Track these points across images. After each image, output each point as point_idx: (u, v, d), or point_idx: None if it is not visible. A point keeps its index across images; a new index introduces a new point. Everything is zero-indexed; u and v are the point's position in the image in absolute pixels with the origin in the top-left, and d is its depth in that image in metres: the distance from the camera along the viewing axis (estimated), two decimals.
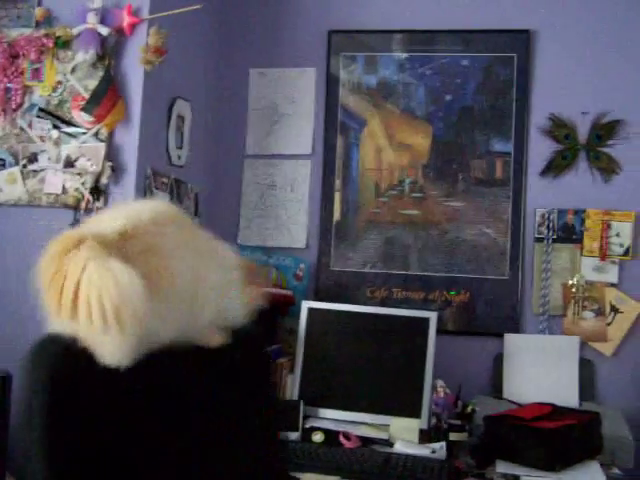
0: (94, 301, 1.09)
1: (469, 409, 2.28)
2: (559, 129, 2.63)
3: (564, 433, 1.93)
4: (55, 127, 2.31)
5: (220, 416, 1.31)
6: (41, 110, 2.33)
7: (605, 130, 2.60)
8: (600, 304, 2.56)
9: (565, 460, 1.91)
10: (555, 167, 2.64)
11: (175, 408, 1.26)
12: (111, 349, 1.14)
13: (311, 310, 2.49)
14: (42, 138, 2.32)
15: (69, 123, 2.30)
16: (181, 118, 2.58)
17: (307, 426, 2.34)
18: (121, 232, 1.21)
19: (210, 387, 1.30)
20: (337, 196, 2.81)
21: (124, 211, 1.31)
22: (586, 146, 2.61)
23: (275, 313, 2.65)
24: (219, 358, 1.31)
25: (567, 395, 2.41)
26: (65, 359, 1.23)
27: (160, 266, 1.21)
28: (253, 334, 1.41)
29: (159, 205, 1.41)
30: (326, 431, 2.31)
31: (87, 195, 2.26)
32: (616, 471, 2.00)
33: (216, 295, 1.31)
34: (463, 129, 2.73)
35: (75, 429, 1.18)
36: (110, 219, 1.26)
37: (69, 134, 2.30)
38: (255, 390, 1.38)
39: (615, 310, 2.55)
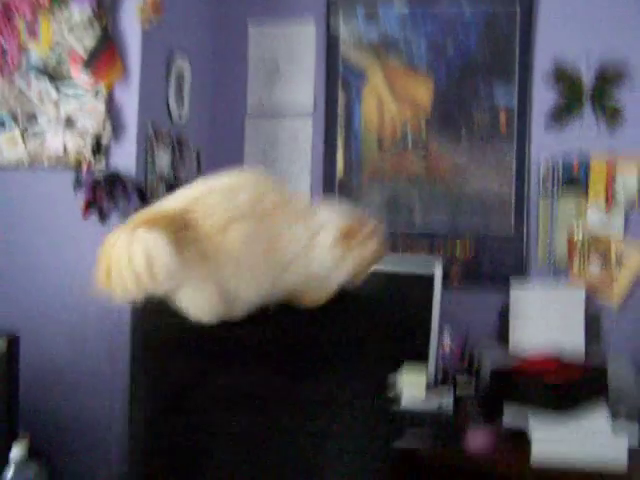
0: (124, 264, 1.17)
1: (476, 362, 2.30)
2: (563, 80, 2.59)
3: (570, 385, 1.94)
4: (54, 87, 2.29)
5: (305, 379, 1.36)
6: (39, 70, 2.30)
7: (610, 78, 2.57)
8: (606, 255, 2.56)
9: (571, 411, 1.92)
10: (559, 118, 2.61)
11: (258, 365, 1.35)
12: (192, 308, 1.29)
13: None
14: (41, 99, 2.30)
15: (68, 83, 2.27)
16: (181, 76, 2.55)
17: None
18: (185, 205, 1.30)
19: (297, 347, 1.36)
20: (340, 152, 2.79)
21: (201, 183, 1.40)
22: (591, 96, 2.57)
23: None
24: (313, 319, 1.36)
25: (573, 346, 2.42)
26: (151, 318, 1.40)
27: (233, 233, 1.28)
28: (359, 298, 1.42)
29: (241, 174, 1.46)
30: None
31: (89, 155, 2.25)
32: (621, 419, 2.02)
33: (306, 257, 1.35)
34: (466, 82, 2.70)
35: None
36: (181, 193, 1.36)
37: (68, 94, 2.27)
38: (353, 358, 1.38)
39: (621, 261, 2.55)
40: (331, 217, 1.43)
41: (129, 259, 1.16)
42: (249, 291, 1.30)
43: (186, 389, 1.40)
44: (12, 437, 1.92)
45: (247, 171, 1.44)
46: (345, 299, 1.38)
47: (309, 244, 1.36)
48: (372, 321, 1.40)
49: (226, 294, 1.29)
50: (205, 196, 1.32)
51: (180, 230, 1.24)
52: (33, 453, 1.93)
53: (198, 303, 1.30)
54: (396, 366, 1.43)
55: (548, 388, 1.92)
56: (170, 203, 1.32)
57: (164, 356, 1.42)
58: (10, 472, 1.79)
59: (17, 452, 1.80)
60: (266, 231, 1.33)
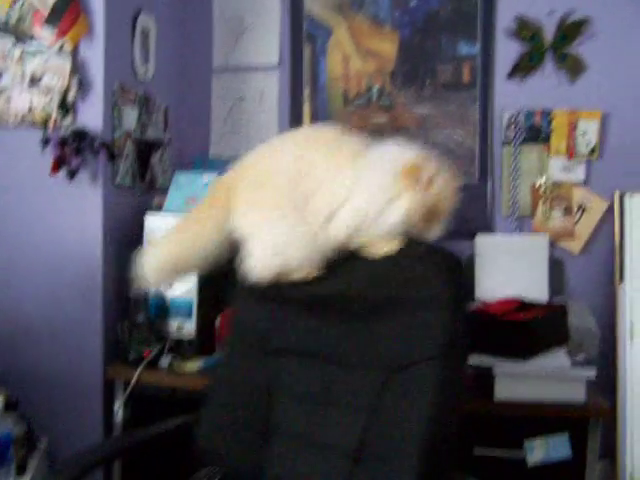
0: None
1: None
2: (525, 30, 2.62)
3: (532, 324, 2.00)
4: (17, 44, 2.27)
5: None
6: (0, 29, 2.28)
7: (571, 30, 2.60)
8: (568, 203, 2.61)
9: (534, 349, 1.99)
10: (522, 69, 2.65)
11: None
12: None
13: None
14: (4, 56, 2.29)
15: (31, 40, 2.26)
16: (146, 33, 2.55)
17: None
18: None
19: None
20: (306, 106, 2.81)
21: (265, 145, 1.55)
22: (552, 47, 2.61)
23: None
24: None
25: (537, 292, 2.48)
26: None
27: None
28: (432, 250, 1.45)
29: (299, 130, 1.60)
30: None
31: (55, 113, 2.25)
32: (581, 357, 2.09)
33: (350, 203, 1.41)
34: (429, 34, 2.71)
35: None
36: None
37: (32, 51, 2.27)
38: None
39: (582, 209, 2.61)
40: (390, 154, 1.46)
41: None
42: (296, 245, 1.40)
43: (269, 332, 1.54)
44: None
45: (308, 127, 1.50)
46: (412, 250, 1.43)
47: (352, 190, 1.41)
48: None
49: (277, 249, 1.42)
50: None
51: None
52: (9, 405, 1.97)
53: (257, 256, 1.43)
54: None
55: (511, 326, 1.98)
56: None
57: (250, 306, 1.60)
58: None
59: None
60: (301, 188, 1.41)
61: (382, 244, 1.41)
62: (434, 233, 1.46)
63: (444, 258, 1.43)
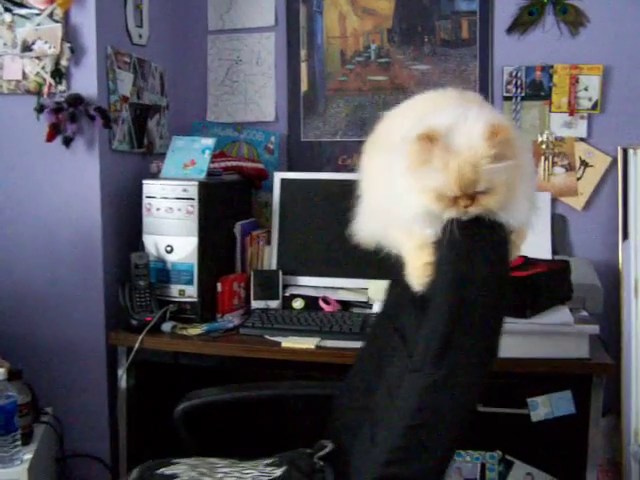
0: None
1: None
2: None
3: (534, 280, 1.98)
4: (7, 10, 2.23)
5: None
6: None
7: None
8: (570, 159, 2.59)
9: (536, 306, 1.98)
10: (521, 23, 2.60)
11: None
12: None
13: (284, 181, 2.51)
14: None
15: (21, 5, 2.22)
16: None
17: (287, 294, 2.40)
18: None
19: None
20: (303, 67, 2.77)
21: None
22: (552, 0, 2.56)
23: (249, 187, 2.67)
24: None
25: (540, 249, 2.46)
26: None
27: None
28: None
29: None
30: (305, 297, 2.37)
31: (49, 79, 2.22)
32: (584, 313, 2.08)
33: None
34: None
35: None
36: None
37: (22, 16, 2.23)
38: None
39: (585, 164, 2.58)
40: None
41: None
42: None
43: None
44: None
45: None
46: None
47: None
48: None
49: None
50: None
51: None
52: (13, 375, 1.97)
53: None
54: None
55: (514, 282, 1.96)
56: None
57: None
58: None
59: None
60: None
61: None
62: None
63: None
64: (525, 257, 2.22)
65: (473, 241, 1.22)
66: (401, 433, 1.25)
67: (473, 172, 1.17)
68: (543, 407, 1.94)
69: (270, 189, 2.54)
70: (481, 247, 1.23)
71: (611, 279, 2.45)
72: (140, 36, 2.53)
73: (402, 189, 1.24)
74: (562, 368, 1.95)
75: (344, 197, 2.49)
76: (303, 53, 2.77)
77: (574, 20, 2.56)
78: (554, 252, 2.51)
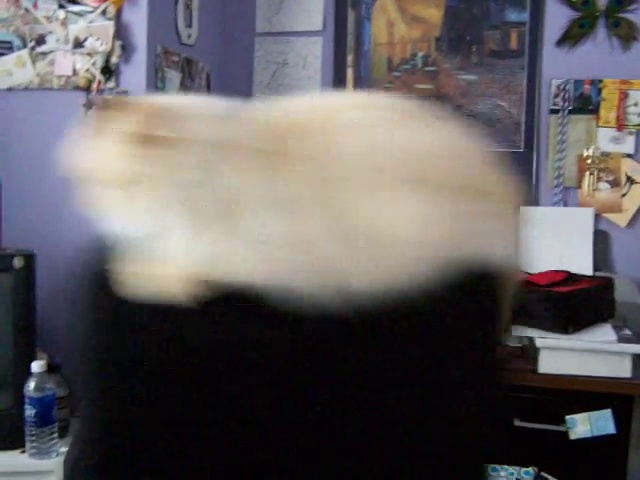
0: None
1: None
2: None
3: (577, 296, 1.96)
4: (61, 7, 2.26)
5: None
6: None
7: None
8: (615, 175, 2.56)
9: (578, 322, 1.96)
10: (572, 36, 2.57)
11: None
12: None
13: None
14: (48, 19, 2.28)
15: (75, 2, 2.25)
16: None
17: None
18: None
19: None
20: (349, 72, 2.77)
21: None
22: (605, 12, 2.53)
23: None
24: None
25: (581, 265, 2.43)
26: None
27: None
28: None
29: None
30: None
31: (98, 75, 2.25)
32: (627, 332, 2.05)
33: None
34: (477, 0, 2.65)
35: None
36: None
37: (76, 13, 2.25)
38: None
39: (631, 181, 2.55)
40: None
41: None
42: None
43: None
44: (30, 351, 1.98)
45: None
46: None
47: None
48: None
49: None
50: None
51: None
52: (52, 368, 1.99)
53: None
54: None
55: (557, 297, 1.94)
56: None
57: None
58: (32, 383, 1.85)
59: (37, 366, 1.86)
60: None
61: None
62: None
63: None
64: (567, 272, 2.21)
65: None
66: None
67: None
68: (582, 425, 1.92)
69: None
70: None
71: None
72: (189, 36, 2.54)
73: None
74: (603, 387, 1.92)
75: None
76: (350, 59, 2.77)
77: (626, 34, 2.53)
78: (595, 268, 2.48)
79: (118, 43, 2.24)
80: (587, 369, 1.92)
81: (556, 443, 1.95)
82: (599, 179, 2.57)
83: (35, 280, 2.07)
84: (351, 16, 2.75)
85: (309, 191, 0.75)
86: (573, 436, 1.93)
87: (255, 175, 0.74)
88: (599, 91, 2.55)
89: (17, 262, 1.96)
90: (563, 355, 1.92)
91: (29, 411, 1.85)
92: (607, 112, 2.55)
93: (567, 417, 1.94)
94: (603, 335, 1.95)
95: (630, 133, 2.54)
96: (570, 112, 2.58)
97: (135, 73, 2.27)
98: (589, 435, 1.92)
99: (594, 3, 2.53)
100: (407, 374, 0.81)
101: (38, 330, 2.13)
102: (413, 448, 0.83)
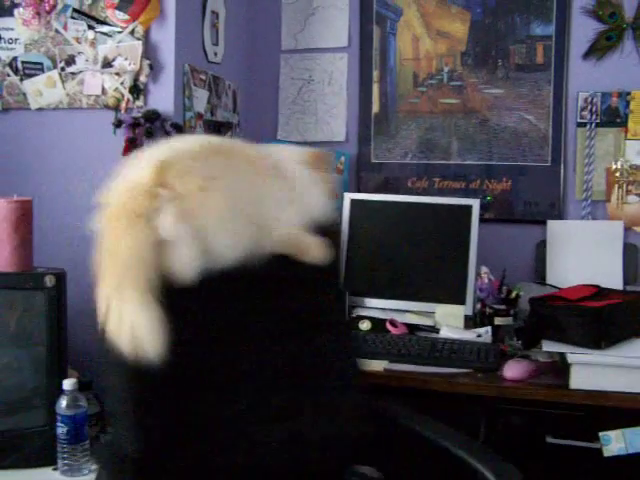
0: None
1: (514, 294, 2.31)
2: (603, 8, 2.53)
3: (610, 311, 1.94)
4: (90, 28, 2.29)
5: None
6: (75, 11, 2.30)
7: None
8: None
9: (611, 337, 1.93)
10: (599, 49, 2.56)
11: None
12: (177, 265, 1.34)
13: (353, 202, 2.51)
14: (78, 40, 2.31)
15: (104, 23, 2.28)
16: (215, 14, 2.55)
17: (353, 315, 2.39)
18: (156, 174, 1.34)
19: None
20: (375, 88, 2.78)
21: (161, 151, 1.41)
22: (632, 24, 2.52)
23: None
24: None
25: (611, 279, 2.41)
26: None
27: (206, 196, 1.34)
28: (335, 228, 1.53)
29: (197, 139, 1.50)
30: (373, 319, 2.36)
31: (127, 94, 2.27)
32: None
33: (286, 203, 1.43)
34: (502, 14, 2.65)
35: None
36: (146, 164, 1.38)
37: (105, 34, 2.28)
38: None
39: None
40: (295, 155, 1.53)
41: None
42: (231, 247, 1.34)
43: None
44: (62, 368, 1.99)
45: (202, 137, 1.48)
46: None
47: (292, 188, 1.46)
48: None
49: (208, 250, 1.33)
50: (177, 160, 1.36)
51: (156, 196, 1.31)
52: (83, 386, 2.00)
53: (181, 260, 1.33)
54: None
55: (589, 312, 1.92)
56: (141, 172, 1.36)
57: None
58: (64, 401, 1.85)
59: (69, 383, 1.87)
60: (245, 188, 1.38)
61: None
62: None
63: None
64: (598, 287, 2.19)
65: None
66: None
67: None
68: (616, 442, 1.89)
69: (339, 209, 2.55)
70: None
71: None
72: (215, 54, 2.56)
73: None
74: (637, 403, 1.89)
75: (413, 219, 2.49)
76: (375, 74, 2.77)
77: None
78: (625, 282, 2.46)
79: (146, 62, 2.26)
80: (620, 385, 1.89)
81: (590, 460, 1.93)
82: (628, 192, 2.55)
83: (66, 298, 2.09)
84: (376, 32, 2.76)
85: None
86: (607, 453, 1.90)
87: None
88: (627, 103, 2.53)
89: (49, 281, 1.97)
90: (595, 371, 1.89)
91: (61, 429, 1.85)
92: (635, 124, 2.53)
93: (600, 434, 1.91)
94: (636, 350, 1.93)
95: None
96: (598, 125, 2.56)
97: (163, 92, 2.29)
98: (624, 452, 1.89)
99: (621, 15, 2.52)
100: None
101: (69, 348, 2.15)
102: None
